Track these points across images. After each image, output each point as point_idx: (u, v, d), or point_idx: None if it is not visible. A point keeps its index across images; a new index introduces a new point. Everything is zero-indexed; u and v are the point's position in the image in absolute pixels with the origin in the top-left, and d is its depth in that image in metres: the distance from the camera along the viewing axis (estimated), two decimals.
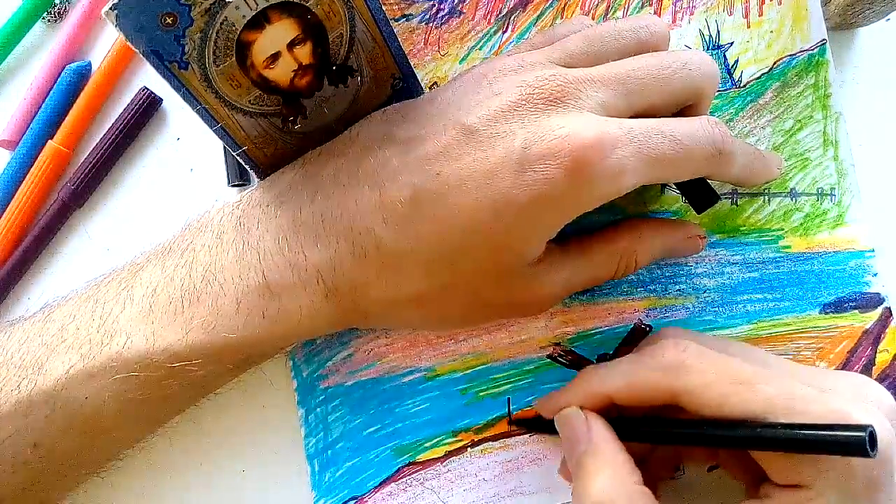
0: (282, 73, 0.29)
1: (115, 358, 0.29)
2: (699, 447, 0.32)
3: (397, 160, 0.29)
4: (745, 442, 0.27)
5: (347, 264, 0.29)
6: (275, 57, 0.28)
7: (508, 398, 0.36)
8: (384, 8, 0.29)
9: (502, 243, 0.28)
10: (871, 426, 0.24)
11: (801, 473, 0.26)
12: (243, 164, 0.32)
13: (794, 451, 0.26)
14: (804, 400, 0.27)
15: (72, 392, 0.29)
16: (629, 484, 0.28)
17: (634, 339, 0.35)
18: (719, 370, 0.28)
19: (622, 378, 0.30)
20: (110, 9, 0.24)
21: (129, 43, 0.25)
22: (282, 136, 0.31)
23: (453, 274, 0.29)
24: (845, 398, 0.27)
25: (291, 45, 0.28)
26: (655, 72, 0.29)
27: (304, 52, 0.29)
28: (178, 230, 0.32)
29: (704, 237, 0.34)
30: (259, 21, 0.27)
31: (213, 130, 0.29)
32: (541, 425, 0.35)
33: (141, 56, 0.26)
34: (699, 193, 0.32)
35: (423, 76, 0.36)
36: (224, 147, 0.35)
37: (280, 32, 0.27)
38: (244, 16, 0.26)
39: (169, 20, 0.25)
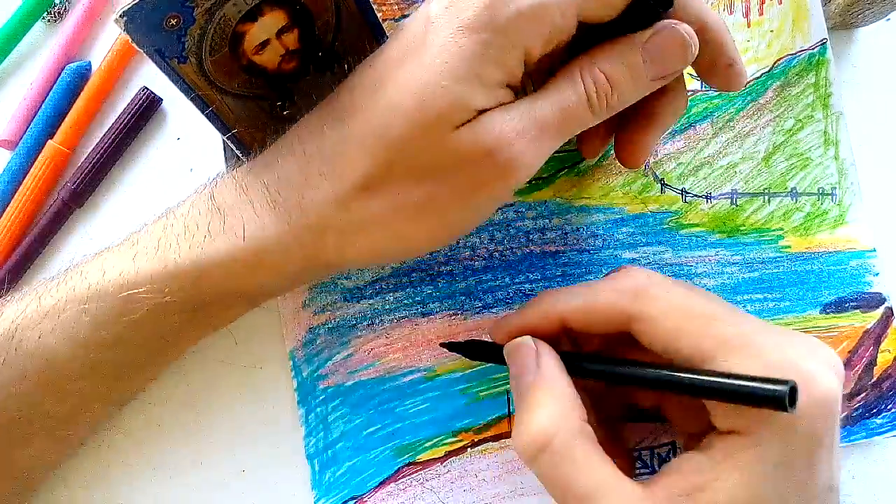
0: (269, 58, 0.30)
1: (68, 293, 0.29)
2: (645, 389, 0.32)
3: (344, 78, 0.30)
4: (676, 386, 0.27)
5: (291, 170, 0.29)
6: (263, 44, 0.29)
7: (508, 397, 0.36)
8: (384, 8, 0.29)
9: (428, 92, 0.26)
10: (794, 382, 0.24)
11: (742, 419, 0.26)
12: (234, 149, 0.32)
13: (716, 399, 0.26)
14: (759, 345, 0.26)
15: (26, 333, 0.29)
16: (572, 419, 0.27)
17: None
18: (680, 302, 0.28)
19: (580, 298, 0.30)
20: (119, 16, 0.25)
21: (134, 45, 0.26)
22: (271, 121, 0.32)
23: (388, 144, 0.27)
24: (800, 351, 0.27)
25: (280, 33, 0.29)
26: None
27: (291, 39, 0.29)
28: None
29: (692, 36, 0.28)
30: (252, 14, 0.28)
31: (205, 115, 0.30)
32: (481, 352, 0.34)
33: (142, 55, 0.26)
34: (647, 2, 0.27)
35: None
36: (223, 147, 0.35)
37: (271, 22, 0.28)
38: (240, 11, 0.27)
39: (173, 21, 0.26)
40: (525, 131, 0.27)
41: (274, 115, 0.32)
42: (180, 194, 0.37)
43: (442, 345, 0.35)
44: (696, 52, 0.28)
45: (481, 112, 0.27)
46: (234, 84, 0.29)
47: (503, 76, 0.26)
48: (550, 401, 0.28)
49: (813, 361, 0.26)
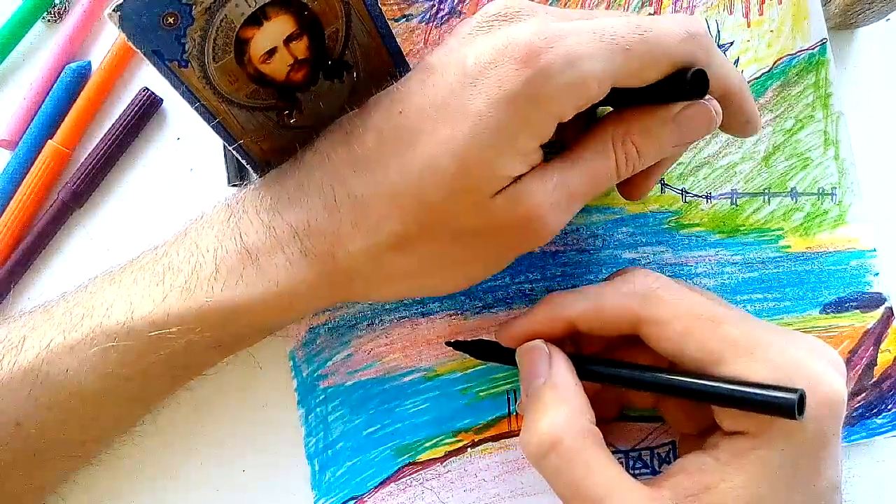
0: (278, 67, 0.29)
1: (95, 328, 0.29)
2: (653, 393, 0.32)
3: (367, 114, 0.29)
4: (687, 392, 0.27)
5: (321, 218, 0.29)
6: (271, 52, 0.28)
7: (508, 397, 0.36)
8: (384, 7, 0.29)
9: (469, 161, 0.27)
10: (803, 390, 0.24)
11: (749, 421, 0.26)
12: (240, 159, 0.32)
13: (726, 405, 0.26)
14: (766, 346, 0.27)
15: (53, 367, 0.29)
16: (582, 421, 0.28)
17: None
18: (688, 305, 0.28)
19: (589, 302, 0.30)
20: (113, 11, 0.24)
21: (130, 43, 0.25)
22: (278, 130, 0.31)
23: (425, 206, 0.28)
24: (805, 352, 0.27)
25: (288, 41, 0.28)
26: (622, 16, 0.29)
27: (300, 47, 0.29)
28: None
29: (719, 112, 0.29)
30: (257, 18, 0.27)
31: (211, 126, 0.29)
32: (487, 352, 0.34)
33: (141, 56, 0.26)
34: (686, 83, 0.27)
35: None
36: (224, 147, 0.35)
37: (277, 28, 0.28)
38: (243, 13, 0.26)
39: (170, 20, 0.25)
40: (559, 202, 0.28)
41: (281, 125, 0.31)
42: (180, 194, 0.37)
43: (448, 343, 0.35)
44: (720, 123, 0.30)
45: (517, 177, 0.27)
46: (241, 95, 0.29)
47: (538, 142, 0.27)
48: (561, 403, 0.28)
49: (819, 362, 0.27)
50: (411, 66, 0.32)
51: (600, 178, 0.29)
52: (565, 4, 0.37)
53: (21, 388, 0.29)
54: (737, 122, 0.31)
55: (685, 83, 0.27)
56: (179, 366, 0.32)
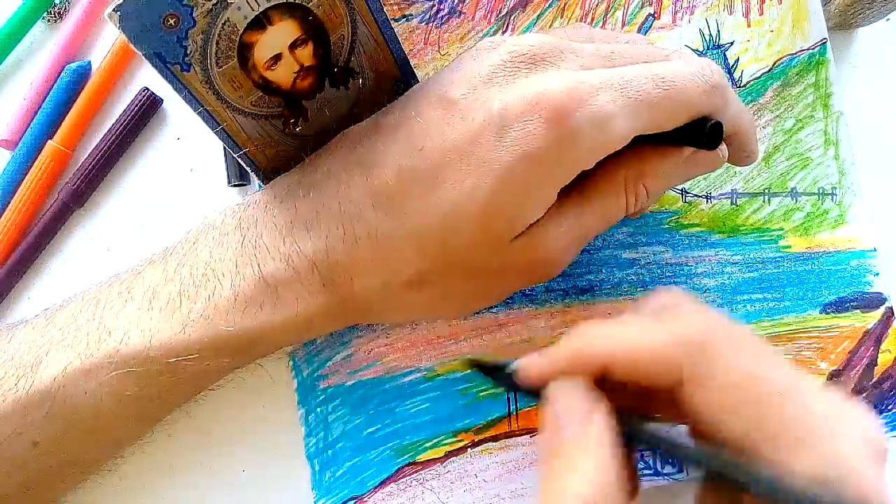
0: (283, 74, 0.29)
1: (113, 354, 0.30)
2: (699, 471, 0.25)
3: (383, 143, 0.29)
4: (759, 489, 0.21)
5: (340, 252, 0.29)
6: (276, 58, 0.28)
7: (508, 397, 0.36)
8: (384, 7, 0.29)
9: (492, 211, 0.27)
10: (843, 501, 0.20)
11: None
12: (244, 165, 0.32)
13: None
14: (818, 437, 0.22)
15: (69, 390, 0.29)
16: (616, 496, 0.22)
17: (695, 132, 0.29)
18: (749, 372, 0.23)
19: (631, 338, 0.24)
20: (113, 10, 0.24)
21: (131, 45, 0.25)
22: (283, 137, 0.31)
23: (447, 250, 0.28)
24: (855, 445, 0.22)
25: (293, 47, 0.28)
26: (644, 56, 0.29)
27: (306, 54, 0.29)
28: (181, 235, 0.32)
29: (726, 154, 0.30)
30: (260, 22, 0.27)
31: (215, 132, 0.29)
32: (510, 380, 0.27)
33: (142, 57, 0.25)
34: (704, 132, 0.28)
35: (423, 76, 0.36)
36: (224, 148, 0.35)
37: (281, 33, 0.27)
38: (246, 17, 0.26)
39: (171, 21, 0.25)
40: (571, 244, 0.30)
41: (286, 133, 0.31)
42: (180, 194, 0.37)
43: (471, 365, 0.31)
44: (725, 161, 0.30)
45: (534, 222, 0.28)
46: (246, 102, 0.29)
47: (558, 190, 0.28)
48: (596, 468, 0.22)
49: (867, 465, 0.21)
50: (413, 62, 0.32)
51: (610, 219, 0.30)
52: (565, 5, 0.37)
53: (38, 410, 0.30)
54: (738, 156, 0.31)
55: (702, 134, 0.28)
56: (193, 384, 0.32)
